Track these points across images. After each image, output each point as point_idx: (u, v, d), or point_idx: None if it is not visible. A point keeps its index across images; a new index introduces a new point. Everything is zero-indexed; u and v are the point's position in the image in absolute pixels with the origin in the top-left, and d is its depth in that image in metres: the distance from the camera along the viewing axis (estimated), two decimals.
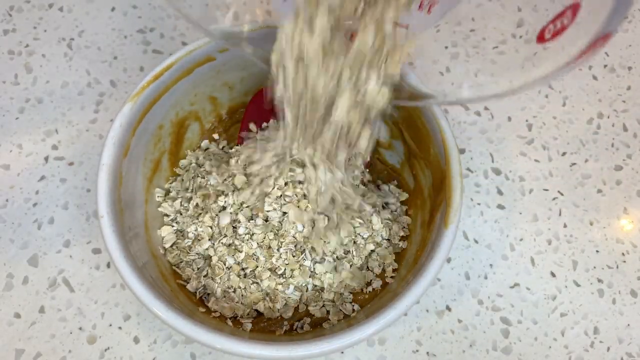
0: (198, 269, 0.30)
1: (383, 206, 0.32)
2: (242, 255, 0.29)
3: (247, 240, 0.29)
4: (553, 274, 0.34)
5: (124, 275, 0.24)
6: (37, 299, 0.32)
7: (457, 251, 0.35)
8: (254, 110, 0.33)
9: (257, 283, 0.29)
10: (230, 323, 0.28)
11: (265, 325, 0.29)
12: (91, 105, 0.38)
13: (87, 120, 0.38)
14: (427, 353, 0.32)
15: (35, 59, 0.40)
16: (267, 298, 0.29)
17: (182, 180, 0.32)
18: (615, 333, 0.33)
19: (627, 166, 0.38)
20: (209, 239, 0.29)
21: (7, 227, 0.34)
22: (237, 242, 0.29)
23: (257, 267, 0.29)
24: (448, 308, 0.33)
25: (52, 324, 0.32)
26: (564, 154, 0.38)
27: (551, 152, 0.38)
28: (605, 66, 0.41)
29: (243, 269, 0.29)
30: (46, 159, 0.36)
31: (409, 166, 0.34)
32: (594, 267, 0.35)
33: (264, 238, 0.29)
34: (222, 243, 0.29)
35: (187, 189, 0.32)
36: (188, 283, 0.30)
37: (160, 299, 0.24)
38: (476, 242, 0.35)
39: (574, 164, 0.38)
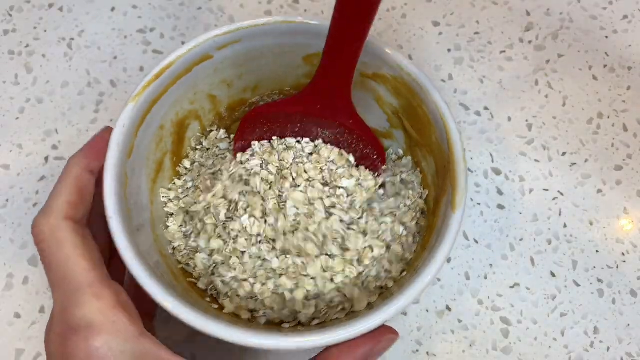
0: (207, 266, 0.30)
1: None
2: (254, 249, 0.29)
3: (256, 236, 0.29)
4: (553, 274, 0.34)
5: (137, 275, 0.24)
6: (37, 299, 0.32)
7: (457, 251, 0.35)
8: (246, 130, 0.32)
9: (269, 278, 0.29)
10: (245, 317, 0.28)
11: (277, 317, 0.29)
12: (91, 105, 0.38)
13: (87, 120, 0.38)
14: (427, 353, 0.32)
15: (36, 59, 0.40)
16: (279, 292, 0.29)
17: (186, 180, 0.32)
18: (615, 333, 0.33)
19: (627, 166, 0.38)
20: (218, 237, 0.29)
21: (7, 227, 0.34)
22: (244, 240, 0.29)
23: (267, 262, 0.29)
24: (448, 308, 0.33)
25: None
26: (564, 154, 0.38)
27: (551, 152, 0.38)
28: (605, 66, 0.41)
29: (253, 265, 0.29)
30: (46, 159, 0.36)
31: (411, 155, 0.34)
32: (594, 267, 0.35)
33: (274, 233, 0.29)
34: (231, 239, 0.29)
35: (192, 187, 0.32)
36: (199, 281, 0.30)
37: (175, 297, 0.24)
38: (476, 242, 0.35)
39: (574, 164, 0.38)
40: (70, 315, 0.22)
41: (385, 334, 0.24)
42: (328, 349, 0.23)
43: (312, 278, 0.29)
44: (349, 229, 0.30)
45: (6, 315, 0.32)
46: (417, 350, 0.32)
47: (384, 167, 0.32)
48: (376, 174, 0.32)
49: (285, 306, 0.29)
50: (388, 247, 0.30)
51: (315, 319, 0.28)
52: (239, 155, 0.32)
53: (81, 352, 0.21)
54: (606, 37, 0.42)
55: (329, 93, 0.30)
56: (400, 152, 0.34)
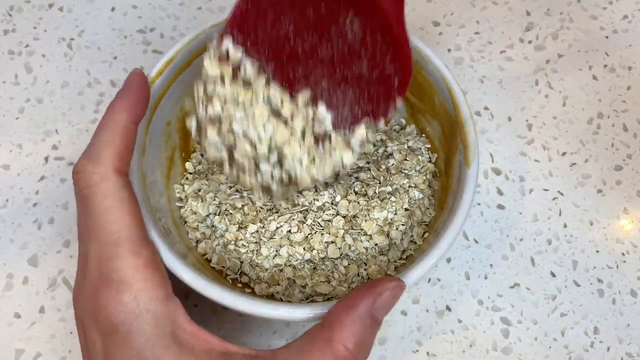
0: (235, 255, 0.30)
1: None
2: (272, 237, 0.29)
3: (274, 218, 0.29)
4: (553, 274, 0.34)
5: (172, 267, 0.24)
6: (37, 299, 0.32)
7: (457, 251, 0.35)
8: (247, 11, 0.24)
9: (293, 265, 0.29)
10: (277, 297, 0.29)
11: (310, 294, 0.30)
12: (91, 105, 0.38)
13: (87, 120, 0.38)
14: (427, 353, 0.32)
15: (35, 59, 0.40)
16: (301, 275, 0.29)
17: (197, 178, 0.32)
18: (615, 333, 0.33)
19: (627, 166, 0.38)
20: (237, 226, 0.30)
21: (7, 227, 0.34)
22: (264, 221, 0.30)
23: (285, 245, 0.29)
24: (448, 308, 0.33)
25: (52, 324, 0.32)
26: (564, 154, 0.38)
27: (551, 152, 0.38)
28: (605, 66, 0.41)
29: (276, 251, 0.30)
30: (46, 159, 0.36)
31: (414, 122, 0.34)
32: (594, 267, 0.35)
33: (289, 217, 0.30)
34: (250, 226, 0.30)
35: (204, 176, 0.32)
36: (224, 269, 0.30)
37: (214, 284, 0.24)
38: (476, 242, 0.35)
39: (574, 164, 0.38)
40: (106, 266, 0.22)
41: (384, 284, 0.23)
42: (329, 312, 0.23)
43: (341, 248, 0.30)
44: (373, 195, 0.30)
45: (6, 315, 0.32)
46: (417, 350, 0.32)
47: (399, 99, 0.26)
48: (387, 109, 0.26)
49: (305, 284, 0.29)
50: (407, 211, 0.31)
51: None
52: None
53: (111, 303, 0.21)
54: (606, 37, 0.42)
55: None
56: (403, 121, 0.35)
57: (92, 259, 0.22)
